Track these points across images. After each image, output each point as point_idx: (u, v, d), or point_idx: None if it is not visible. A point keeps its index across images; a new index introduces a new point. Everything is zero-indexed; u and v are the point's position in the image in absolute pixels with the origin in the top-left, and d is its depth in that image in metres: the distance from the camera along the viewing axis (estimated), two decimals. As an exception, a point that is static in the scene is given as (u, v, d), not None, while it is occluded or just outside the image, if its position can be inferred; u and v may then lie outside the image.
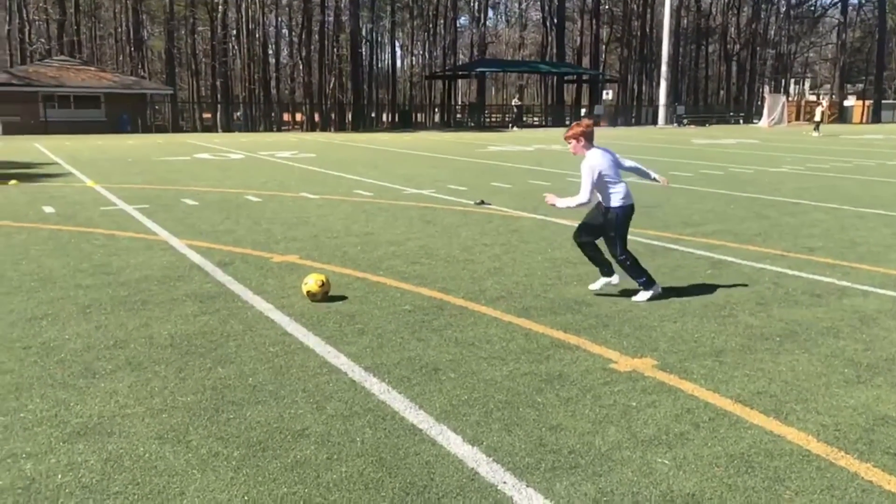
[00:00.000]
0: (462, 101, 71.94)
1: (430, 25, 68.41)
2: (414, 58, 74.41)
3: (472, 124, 53.64)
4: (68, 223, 9.74)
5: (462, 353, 4.81)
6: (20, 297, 6.12)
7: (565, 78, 61.62)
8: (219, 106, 54.07)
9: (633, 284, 6.13)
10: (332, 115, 54.37)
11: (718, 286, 6.54)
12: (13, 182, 14.28)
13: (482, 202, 11.70)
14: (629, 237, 6.14)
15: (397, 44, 71.87)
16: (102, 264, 7.30)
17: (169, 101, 49.83)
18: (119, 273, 6.94)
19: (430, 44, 69.00)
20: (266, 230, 9.29)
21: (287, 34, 63.59)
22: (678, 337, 5.16)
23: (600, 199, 5.99)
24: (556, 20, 64.06)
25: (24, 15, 55.35)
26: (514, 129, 47.84)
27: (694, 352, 4.87)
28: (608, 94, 61.88)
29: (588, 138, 5.89)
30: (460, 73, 60.39)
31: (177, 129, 46.60)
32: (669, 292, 6.24)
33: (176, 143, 28.81)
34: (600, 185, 5.85)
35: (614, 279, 6.13)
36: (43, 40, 55.48)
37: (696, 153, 24.37)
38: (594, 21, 64.89)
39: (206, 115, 55.28)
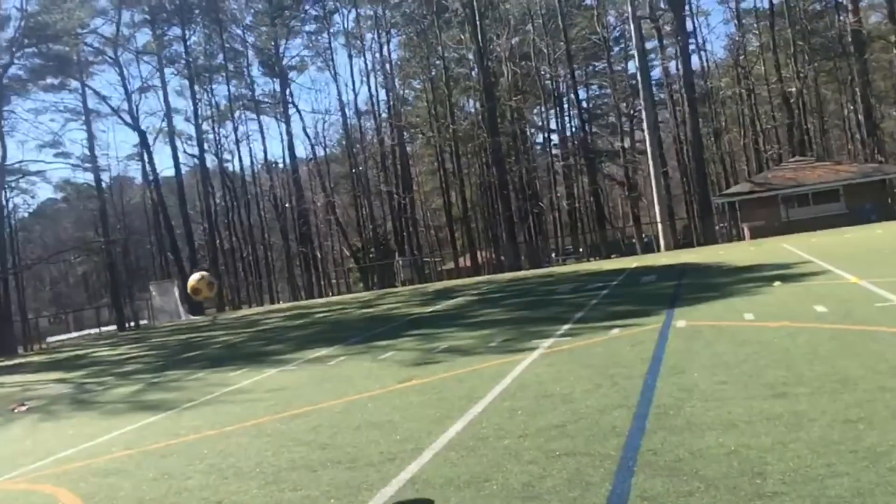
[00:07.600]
0: None
1: None
2: None
3: None
4: (845, 321, 9.72)
5: None
6: (825, 398, 6.28)
7: None
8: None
9: None
10: None
11: None
12: (777, 283, 15.19)
13: None
14: None
15: None
16: (899, 365, 6.98)
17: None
18: (922, 374, 6.50)
19: None
20: None
21: None
22: None
23: None
24: None
25: (757, 126, 60.40)
26: None
27: None
28: None
29: None
30: None
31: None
32: None
33: (930, 225, 26.24)
34: None
35: None
36: (775, 146, 59.17)
37: None
38: None
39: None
